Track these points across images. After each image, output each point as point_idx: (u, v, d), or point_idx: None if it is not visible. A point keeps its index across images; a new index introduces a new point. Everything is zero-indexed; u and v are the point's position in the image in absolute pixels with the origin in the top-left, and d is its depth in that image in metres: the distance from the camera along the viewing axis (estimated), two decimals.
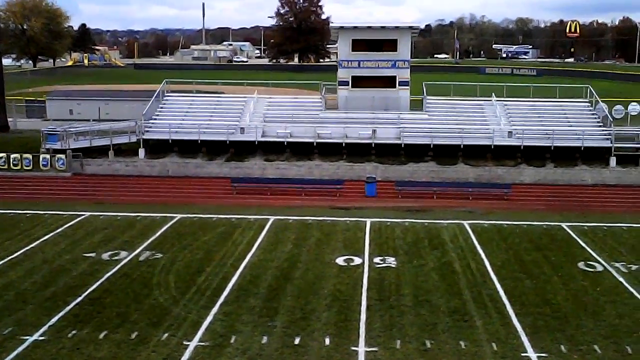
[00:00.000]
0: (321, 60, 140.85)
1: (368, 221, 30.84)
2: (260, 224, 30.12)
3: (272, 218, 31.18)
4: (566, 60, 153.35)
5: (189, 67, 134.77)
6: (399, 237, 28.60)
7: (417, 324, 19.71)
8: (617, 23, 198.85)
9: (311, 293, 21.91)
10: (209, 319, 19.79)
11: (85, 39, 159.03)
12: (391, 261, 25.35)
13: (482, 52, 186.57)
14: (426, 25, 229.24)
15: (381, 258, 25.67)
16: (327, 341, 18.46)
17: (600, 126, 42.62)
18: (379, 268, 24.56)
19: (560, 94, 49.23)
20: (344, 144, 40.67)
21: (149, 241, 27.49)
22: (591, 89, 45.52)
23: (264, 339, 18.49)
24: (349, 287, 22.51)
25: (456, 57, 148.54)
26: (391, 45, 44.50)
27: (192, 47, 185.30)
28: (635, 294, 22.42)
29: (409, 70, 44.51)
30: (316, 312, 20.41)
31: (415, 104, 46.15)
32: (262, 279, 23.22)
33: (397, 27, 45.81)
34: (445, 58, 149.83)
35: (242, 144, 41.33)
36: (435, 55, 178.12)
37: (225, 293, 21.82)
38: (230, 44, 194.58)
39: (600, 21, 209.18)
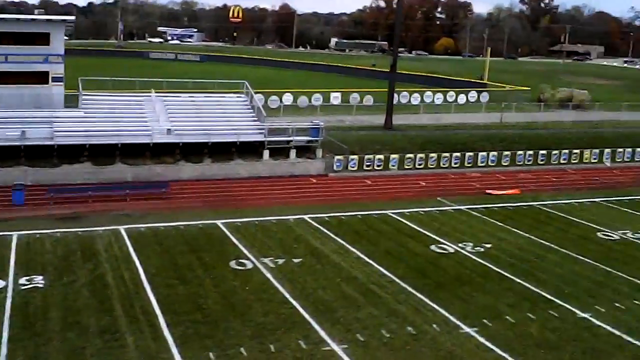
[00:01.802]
0: None
1: (15, 235, 28.39)
2: None
3: None
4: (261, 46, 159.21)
5: None
6: (49, 251, 26.85)
7: (64, 351, 18.80)
8: (277, 9, 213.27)
9: None
10: None
11: None
12: (39, 280, 23.70)
13: (145, 35, 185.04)
14: (89, 4, 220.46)
15: (28, 278, 23.84)
16: None
17: (255, 120, 44.88)
18: (24, 290, 22.82)
19: (220, 87, 50.86)
20: None
21: None
22: (247, 84, 47.49)
23: None
24: None
25: (120, 39, 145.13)
26: (43, 39, 41.49)
27: None
28: (281, 289, 24.03)
29: (63, 65, 41.87)
30: None
31: (72, 100, 43.77)
32: None
33: (49, 20, 43.13)
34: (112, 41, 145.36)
35: None
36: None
37: None
38: None
39: (261, 6, 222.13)
